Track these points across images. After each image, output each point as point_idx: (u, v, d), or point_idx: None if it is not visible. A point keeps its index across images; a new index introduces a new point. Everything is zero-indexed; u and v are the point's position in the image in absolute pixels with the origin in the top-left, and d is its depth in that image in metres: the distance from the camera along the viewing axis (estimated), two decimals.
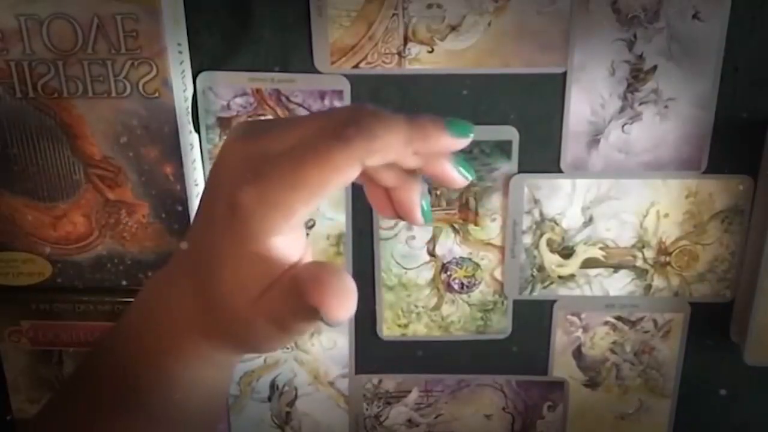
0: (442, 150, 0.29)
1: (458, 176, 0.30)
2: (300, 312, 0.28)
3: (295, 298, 0.28)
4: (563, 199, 0.50)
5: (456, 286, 0.52)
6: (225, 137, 0.31)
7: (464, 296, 0.53)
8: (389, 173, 0.30)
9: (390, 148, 0.28)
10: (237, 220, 0.28)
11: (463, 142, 0.29)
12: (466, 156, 0.49)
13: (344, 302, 0.27)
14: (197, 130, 0.49)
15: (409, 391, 0.56)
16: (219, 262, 0.29)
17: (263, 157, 0.28)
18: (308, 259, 0.31)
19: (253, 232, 0.28)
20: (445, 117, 0.29)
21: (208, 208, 0.30)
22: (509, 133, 0.49)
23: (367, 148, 0.27)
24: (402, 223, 0.51)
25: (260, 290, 0.29)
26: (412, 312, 0.53)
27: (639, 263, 0.52)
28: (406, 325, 0.54)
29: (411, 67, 0.47)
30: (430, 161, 0.30)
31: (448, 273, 0.52)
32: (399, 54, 0.47)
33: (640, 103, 0.48)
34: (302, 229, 0.31)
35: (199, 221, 0.31)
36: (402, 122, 0.28)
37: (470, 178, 0.31)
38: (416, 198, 0.31)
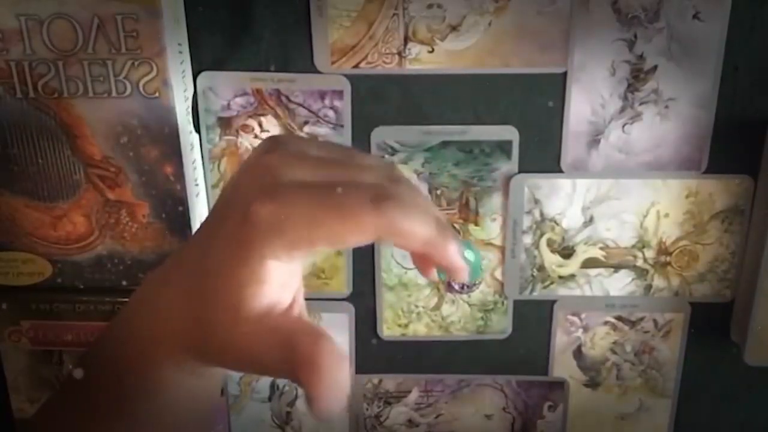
0: (450, 258, 0.30)
1: (465, 266, 0.30)
2: (285, 372, 0.28)
3: (284, 356, 0.27)
4: (563, 199, 0.50)
5: (456, 286, 0.52)
6: (259, 143, 0.31)
7: (464, 296, 0.53)
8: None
9: (411, 239, 0.28)
10: (247, 230, 0.27)
11: (465, 269, 0.30)
12: (466, 156, 0.49)
13: (336, 396, 0.27)
14: (197, 130, 0.49)
15: (409, 391, 0.56)
16: (217, 268, 0.28)
17: (291, 181, 0.28)
18: (300, 300, 0.31)
19: (258, 248, 0.27)
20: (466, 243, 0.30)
21: (221, 210, 0.30)
22: (509, 133, 0.49)
23: (391, 231, 0.27)
24: None
25: (246, 312, 0.28)
26: (413, 312, 0.53)
27: (639, 263, 0.52)
28: (406, 325, 0.54)
29: (411, 67, 0.47)
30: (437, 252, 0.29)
31: None
32: (399, 54, 0.47)
33: (641, 103, 0.48)
34: (300, 270, 0.31)
35: (209, 222, 0.31)
36: (432, 224, 0.28)
37: (475, 277, 0.32)
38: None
